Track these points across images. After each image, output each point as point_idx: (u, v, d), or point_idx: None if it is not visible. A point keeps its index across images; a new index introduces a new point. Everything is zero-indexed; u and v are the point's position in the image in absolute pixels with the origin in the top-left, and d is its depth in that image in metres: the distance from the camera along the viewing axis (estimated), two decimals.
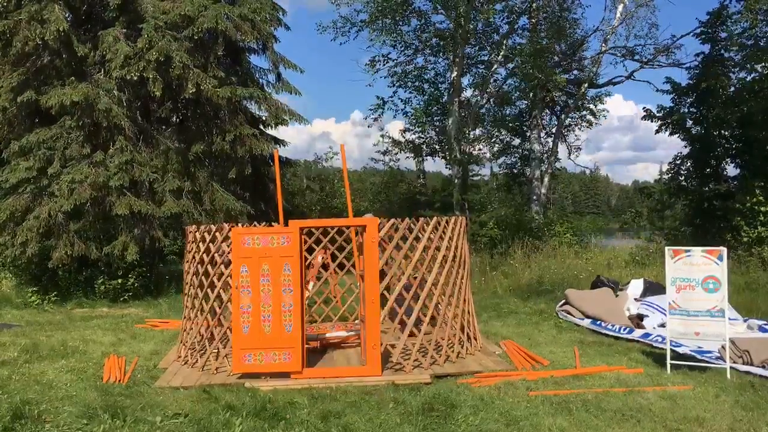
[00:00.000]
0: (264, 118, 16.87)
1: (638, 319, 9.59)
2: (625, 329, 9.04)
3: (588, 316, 9.93)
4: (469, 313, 8.14)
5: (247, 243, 6.82)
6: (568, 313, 10.42)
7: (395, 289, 7.28)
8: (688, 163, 17.78)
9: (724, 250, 6.96)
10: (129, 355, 8.24)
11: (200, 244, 7.73)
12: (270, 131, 17.32)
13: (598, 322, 9.56)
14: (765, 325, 8.96)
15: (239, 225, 9.16)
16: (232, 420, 5.50)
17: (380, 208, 21.95)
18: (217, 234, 7.56)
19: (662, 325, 8.76)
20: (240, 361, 6.79)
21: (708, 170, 17.27)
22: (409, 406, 5.84)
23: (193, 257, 7.85)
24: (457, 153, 20.81)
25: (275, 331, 6.76)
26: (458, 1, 18.85)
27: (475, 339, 8.15)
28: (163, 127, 15.64)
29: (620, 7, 20.98)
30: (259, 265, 6.79)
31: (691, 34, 18.31)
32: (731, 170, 17.46)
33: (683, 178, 18.10)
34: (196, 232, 7.91)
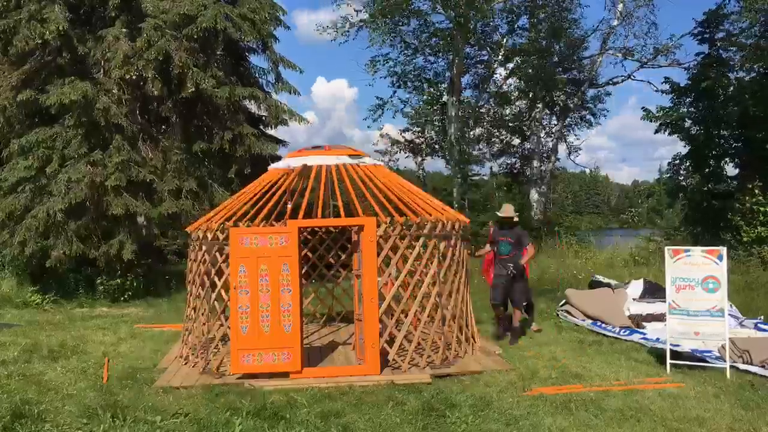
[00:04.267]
0: (264, 118, 16.86)
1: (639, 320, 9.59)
2: (624, 331, 9.02)
3: (588, 316, 9.92)
4: (467, 312, 8.13)
5: (245, 243, 6.79)
6: (569, 313, 10.40)
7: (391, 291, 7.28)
8: (688, 163, 17.79)
9: (723, 249, 6.95)
10: (129, 355, 8.24)
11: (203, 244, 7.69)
12: (270, 131, 17.31)
13: (599, 323, 9.55)
14: (760, 323, 8.95)
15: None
16: (232, 419, 5.50)
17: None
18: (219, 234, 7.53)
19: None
20: (239, 361, 6.76)
21: (707, 170, 17.28)
22: (409, 405, 5.83)
23: (197, 256, 7.82)
24: (457, 152, 20.79)
25: (274, 331, 6.74)
26: (457, 0, 18.83)
27: (474, 339, 8.15)
28: (163, 126, 15.61)
29: (620, 6, 20.99)
30: (258, 265, 6.75)
31: (690, 34, 18.34)
32: (730, 170, 17.50)
33: (683, 177, 18.11)
34: (199, 230, 7.86)
